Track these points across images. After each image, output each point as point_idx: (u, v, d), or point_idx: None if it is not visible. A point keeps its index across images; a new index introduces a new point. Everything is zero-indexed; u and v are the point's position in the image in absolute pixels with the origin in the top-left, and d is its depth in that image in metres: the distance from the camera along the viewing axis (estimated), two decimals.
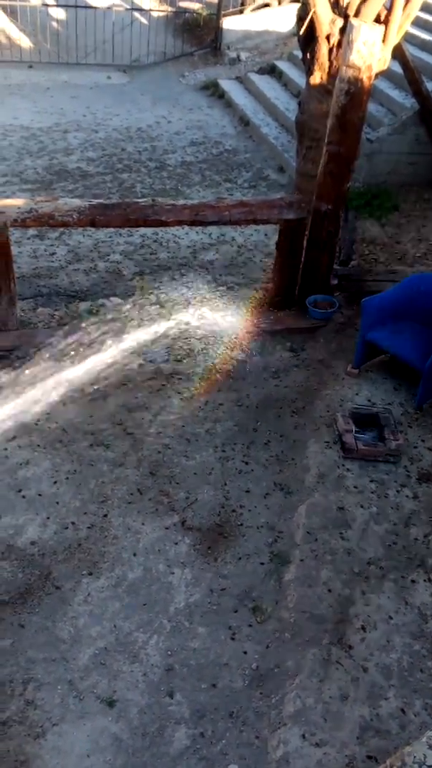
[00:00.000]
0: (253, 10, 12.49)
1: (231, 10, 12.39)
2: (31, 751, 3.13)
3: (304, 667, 3.42)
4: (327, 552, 3.92)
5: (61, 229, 6.78)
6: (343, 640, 3.53)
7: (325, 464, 4.44)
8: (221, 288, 6.23)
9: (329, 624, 3.60)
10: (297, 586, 3.76)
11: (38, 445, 4.49)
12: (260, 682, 3.42)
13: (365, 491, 4.30)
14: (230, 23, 12.29)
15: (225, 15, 12.23)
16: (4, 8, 12.47)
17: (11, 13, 12.42)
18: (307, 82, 5.53)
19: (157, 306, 5.79)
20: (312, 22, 5.09)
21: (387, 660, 3.47)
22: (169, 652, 3.51)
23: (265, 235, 7.02)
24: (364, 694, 3.34)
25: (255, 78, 10.87)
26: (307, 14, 5.09)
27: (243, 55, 12.09)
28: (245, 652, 3.53)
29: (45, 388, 4.85)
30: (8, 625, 3.55)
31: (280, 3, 12.53)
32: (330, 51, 5.22)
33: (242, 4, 12.55)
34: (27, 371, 4.98)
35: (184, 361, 5.30)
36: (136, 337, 5.34)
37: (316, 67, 5.33)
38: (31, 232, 6.79)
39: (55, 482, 4.28)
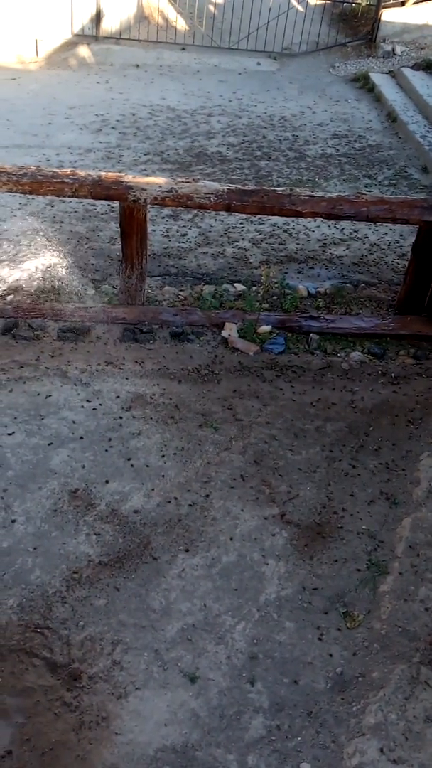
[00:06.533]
0: (416, 2, 12.04)
1: (392, 1, 12.01)
2: (113, 710, 3.25)
3: (391, 681, 3.33)
4: (428, 570, 3.77)
5: (195, 212, 6.89)
6: None
7: None
8: (347, 285, 6.11)
9: (422, 643, 3.47)
10: (392, 599, 3.65)
11: (151, 418, 4.62)
12: (343, 688, 3.36)
13: None
14: (389, 15, 11.92)
15: (385, 6, 11.87)
16: None
17: None
18: None
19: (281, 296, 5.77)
20: None
21: None
22: (255, 641, 3.52)
23: (401, 235, 6.80)
24: None
25: (408, 73, 10.51)
26: None
27: (398, 49, 11.71)
28: (331, 655, 3.48)
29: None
30: (105, 585, 3.69)
31: None
32: None
33: None
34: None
35: (301, 354, 5.26)
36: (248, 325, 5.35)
37: None
38: (166, 211, 6.95)
39: (163, 456, 4.39)
